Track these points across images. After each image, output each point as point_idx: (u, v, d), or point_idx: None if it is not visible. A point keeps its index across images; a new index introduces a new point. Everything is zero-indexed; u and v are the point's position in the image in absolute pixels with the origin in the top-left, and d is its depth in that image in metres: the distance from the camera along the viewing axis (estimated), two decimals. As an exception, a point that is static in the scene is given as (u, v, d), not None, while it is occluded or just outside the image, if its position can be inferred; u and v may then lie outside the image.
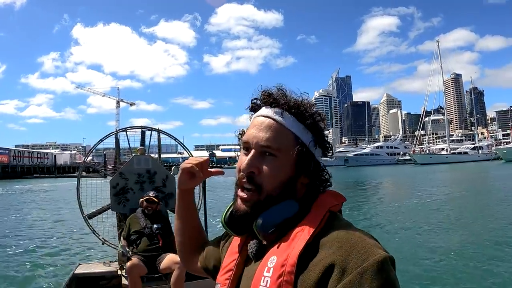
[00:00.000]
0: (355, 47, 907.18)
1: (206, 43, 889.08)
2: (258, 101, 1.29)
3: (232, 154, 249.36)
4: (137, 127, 8.73)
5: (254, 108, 1.31)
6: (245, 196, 1.19)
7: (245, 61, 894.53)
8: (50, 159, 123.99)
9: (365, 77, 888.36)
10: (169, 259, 5.88)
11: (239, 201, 1.22)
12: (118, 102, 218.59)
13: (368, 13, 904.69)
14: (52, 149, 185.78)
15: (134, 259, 5.83)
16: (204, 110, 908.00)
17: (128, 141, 8.32)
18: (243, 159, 1.21)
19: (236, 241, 1.34)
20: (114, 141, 8.50)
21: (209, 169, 1.44)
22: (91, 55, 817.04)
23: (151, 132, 8.52)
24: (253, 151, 1.19)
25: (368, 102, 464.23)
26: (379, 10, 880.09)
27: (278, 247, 1.14)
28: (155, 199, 6.48)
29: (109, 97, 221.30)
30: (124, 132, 8.30)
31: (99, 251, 11.29)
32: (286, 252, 1.10)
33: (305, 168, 1.21)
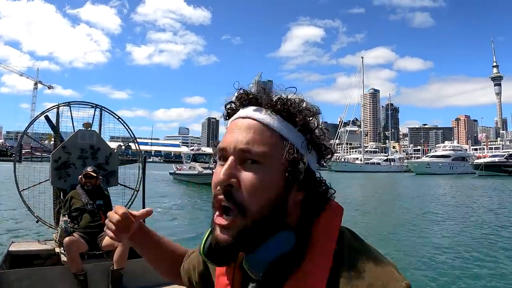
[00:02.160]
0: (278, 53, 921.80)
1: (131, 33, 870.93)
2: (234, 105, 1.08)
3: (147, 148, 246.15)
4: (81, 102, 8.41)
5: (230, 114, 1.09)
6: (225, 222, 0.96)
7: (167, 55, 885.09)
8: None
9: (284, 83, 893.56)
10: None
11: (217, 230, 0.99)
12: (36, 84, 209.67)
13: (295, 21, 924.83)
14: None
15: (74, 235, 5.65)
16: (121, 101, 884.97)
17: (72, 118, 8.05)
18: (217, 171, 1.00)
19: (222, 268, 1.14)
20: (55, 116, 8.06)
21: (135, 213, 1.28)
22: (10, 30, 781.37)
23: (94, 110, 8.24)
24: (231, 157, 0.97)
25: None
26: (306, 19, 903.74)
27: None
28: (93, 174, 6.32)
29: (27, 77, 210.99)
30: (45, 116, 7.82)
31: (32, 233, 11.03)
32: None
33: (298, 179, 0.98)
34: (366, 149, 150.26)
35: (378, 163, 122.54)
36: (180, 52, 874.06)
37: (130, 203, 8.06)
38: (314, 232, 0.99)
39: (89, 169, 6.35)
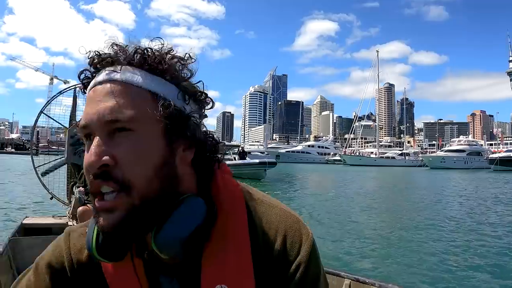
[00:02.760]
0: (292, 47, 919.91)
1: (145, 27, 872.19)
2: (88, 72, 0.88)
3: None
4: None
5: (87, 85, 0.89)
6: (107, 204, 0.80)
7: (182, 49, 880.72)
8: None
9: (299, 77, 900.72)
10: None
11: (101, 218, 0.81)
12: (51, 79, 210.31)
13: (309, 15, 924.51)
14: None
15: (88, 206, 5.57)
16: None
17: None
18: (86, 157, 0.82)
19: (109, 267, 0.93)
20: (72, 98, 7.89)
21: None
22: (25, 26, 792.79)
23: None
24: (96, 137, 0.80)
25: (302, 102, 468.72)
26: (320, 13, 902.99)
27: (211, 270, 0.87)
28: None
29: (43, 73, 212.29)
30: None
31: (46, 211, 10.52)
32: (233, 274, 0.86)
33: (182, 135, 0.86)
34: (381, 144, 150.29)
35: (393, 157, 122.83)
36: (194, 47, 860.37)
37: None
38: (217, 195, 0.91)
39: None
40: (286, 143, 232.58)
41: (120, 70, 0.82)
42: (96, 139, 0.79)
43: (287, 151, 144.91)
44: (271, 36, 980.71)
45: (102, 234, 0.84)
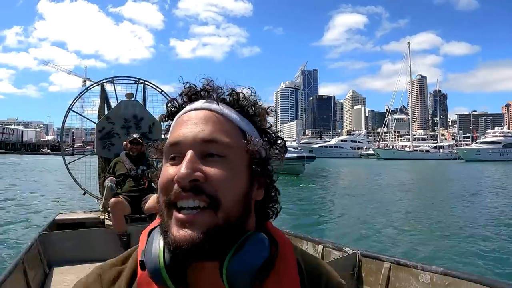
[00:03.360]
0: (321, 41, 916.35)
1: (174, 27, 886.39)
2: (177, 103, 0.93)
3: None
4: (124, 77, 8.46)
5: (174, 113, 0.93)
6: (192, 217, 0.77)
7: (211, 48, 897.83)
8: (16, 135, 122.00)
9: (329, 72, 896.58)
10: (154, 199, 5.47)
11: (174, 228, 0.78)
12: (84, 81, 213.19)
13: (337, 8, 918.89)
14: (14, 125, 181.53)
15: (119, 197, 5.81)
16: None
17: (116, 92, 8.11)
18: (169, 172, 0.81)
19: None
20: (100, 93, 8.21)
21: None
22: (56, 31, 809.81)
23: (137, 85, 8.24)
24: (190, 152, 0.80)
25: (334, 97, 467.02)
26: (348, 7, 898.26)
27: None
28: (139, 140, 6.27)
29: (75, 75, 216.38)
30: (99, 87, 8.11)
31: (77, 207, 11.16)
32: None
33: (262, 173, 0.88)
34: (414, 137, 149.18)
35: (427, 151, 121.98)
36: (223, 45, 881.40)
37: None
38: (273, 235, 0.91)
39: (135, 135, 6.29)
40: (318, 138, 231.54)
41: (218, 103, 0.86)
42: (190, 154, 0.79)
43: (320, 146, 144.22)
44: (299, 31, 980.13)
45: (174, 251, 0.78)
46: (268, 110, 0.96)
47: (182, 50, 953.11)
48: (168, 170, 0.81)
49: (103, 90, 8.21)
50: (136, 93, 8.06)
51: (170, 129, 0.89)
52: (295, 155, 35.12)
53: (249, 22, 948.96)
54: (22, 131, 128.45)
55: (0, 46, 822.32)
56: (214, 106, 0.86)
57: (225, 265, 0.78)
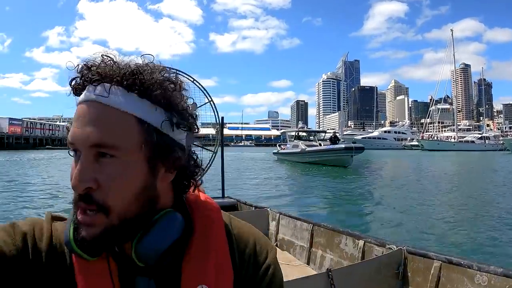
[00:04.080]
0: (361, 31, 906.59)
1: (213, 22, 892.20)
2: (79, 79, 0.85)
3: (238, 132, 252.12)
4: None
5: (77, 91, 0.86)
6: (88, 220, 0.80)
7: (251, 41, 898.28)
8: (61, 131, 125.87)
9: (370, 62, 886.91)
10: None
11: (81, 228, 0.81)
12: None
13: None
14: (60, 122, 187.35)
15: None
16: (209, 88, 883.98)
17: None
18: (73, 170, 0.82)
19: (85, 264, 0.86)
20: None
21: None
22: (97, 30, 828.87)
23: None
24: (82, 156, 0.80)
25: (376, 87, 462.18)
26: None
27: (192, 271, 0.89)
28: None
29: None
30: None
31: None
32: (213, 275, 0.89)
33: (164, 162, 0.86)
34: (459, 127, 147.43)
35: (472, 141, 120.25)
36: (263, 37, 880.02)
37: (208, 165, 8.18)
38: (195, 208, 0.95)
39: None
40: (361, 130, 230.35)
41: (109, 91, 0.80)
42: (82, 161, 0.79)
43: (363, 138, 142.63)
44: (338, 21, 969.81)
45: (80, 241, 0.81)
46: (176, 81, 0.89)
47: (222, 44, 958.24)
48: (72, 166, 0.82)
49: None
50: None
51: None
52: (342, 146, 33.59)
53: (288, 13, 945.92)
54: (68, 127, 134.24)
55: (43, 46, 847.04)
56: (103, 99, 0.80)
57: (133, 247, 0.83)
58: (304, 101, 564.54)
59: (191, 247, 0.89)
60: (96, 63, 0.83)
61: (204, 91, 8.58)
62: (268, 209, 6.30)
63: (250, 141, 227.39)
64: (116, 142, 0.78)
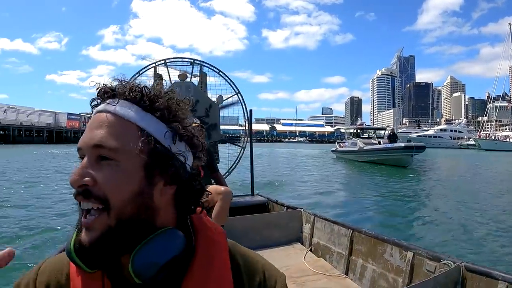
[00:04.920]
0: (415, 26, 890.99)
1: (265, 18, 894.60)
2: (98, 99, 0.93)
3: (292, 128, 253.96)
4: (176, 58, 8.85)
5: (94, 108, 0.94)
6: (89, 222, 0.83)
7: (303, 36, 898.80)
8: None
9: (425, 58, 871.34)
10: (211, 190, 4.96)
11: (82, 232, 0.85)
12: (182, 74, 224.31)
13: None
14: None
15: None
16: (262, 84, 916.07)
17: (169, 75, 8.37)
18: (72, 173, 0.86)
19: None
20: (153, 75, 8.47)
21: None
22: (151, 28, 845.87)
23: (192, 66, 8.54)
24: (85, 158, 0.85)
25: (432, 84, 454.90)
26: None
27: None
28: (203, 125, 7.46)
29: (173, 69, 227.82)
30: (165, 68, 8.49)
31: None
32: None
33: (162, 173, 0.88)
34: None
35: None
36: (315, 33, 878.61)
37: (236, 161, 8.33)
38: (199, 230, 0.97)
39: (194, 120, 4.96)
40: (416, 127, 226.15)
41: (117, 103, 0.88)
42: (83, 161, 0.84)
43: (418, 136, 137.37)
44: (392, 16, 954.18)
45: (78, 247, 0.85)
46: (182, 99, 0.96)
47: (274, 40, 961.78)
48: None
49: (155, 74, 8.41)
50: (191, 74, 8.29)
51: None
52: (402, 144, 31.65)
53: (340, 8, 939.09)
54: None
55: (99, 44, 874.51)
56: (110, 107, 0.87)
57: (130, 261, 0.83)
58: (358, 97, 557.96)
59: (192, 268, 0.90)
60: (113, 85, 0.91)
61: (231, 83, 8.71)
62: (302, 210, 5.90)
63: (304, 138, 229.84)
64: (116, 145, 0.83)
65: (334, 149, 47.49)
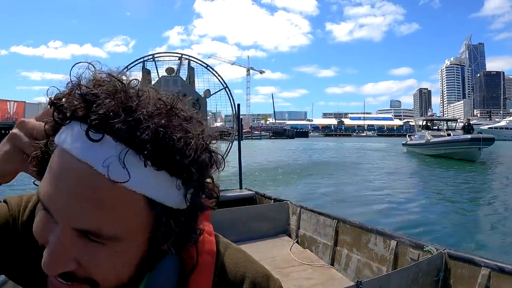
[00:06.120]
0: (482, 12, 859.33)
1: (328, 12, 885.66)
2: (64, 108, 0.60)
3: (360, 122, 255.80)
4: (165, 53, 8.75)
5: (61, 119, 0.62)
6: None
7: (368, 28, 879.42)
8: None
9: (495, 45, 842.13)
10: None
11: None
12: (248, 70, 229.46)
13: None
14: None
15: None
16: (328, 79, 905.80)
17: (157, 69, 8.25)
18: (40, 231, 0.62)
19: None
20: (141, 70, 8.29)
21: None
22: (214, 27, 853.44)
23: (180, 60, 8.52)
24: (60, 230, 0.58)
25: (503, 72, 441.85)
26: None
27: None
28: None
29: (240, 66, 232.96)
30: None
31: None
32: None
33: (167, 241, 0.65)
34: None
35: None
36: (380, 24, 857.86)
37: (225, 154, 7.72)
38: (190, 252, 0.74)
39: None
40: (488, 119, 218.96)
41: (114, 155, 0.55)
42: (59, 237, 0.58)
43: (489, 128, 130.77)
44: (456, 2, 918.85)
45: None
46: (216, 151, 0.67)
47: (339, 33, 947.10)
48: (40, 225, 0.62)
49: (143, 68, 8.19)
50: (179, 68, 7.99)
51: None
52: (468, 136, 28.09)
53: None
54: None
55: (165, 45, 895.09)
56: (95, 160, 0.55)
57: None
58: (427, 89, 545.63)
59: None
60: (98, 92, 0.58)
61: (219, 78, 8.61)
62: (289, 202, 5.90)
63: (372, 132, 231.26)
64: (115, 233, 0.59)
65: (404, 142, 46.01)
